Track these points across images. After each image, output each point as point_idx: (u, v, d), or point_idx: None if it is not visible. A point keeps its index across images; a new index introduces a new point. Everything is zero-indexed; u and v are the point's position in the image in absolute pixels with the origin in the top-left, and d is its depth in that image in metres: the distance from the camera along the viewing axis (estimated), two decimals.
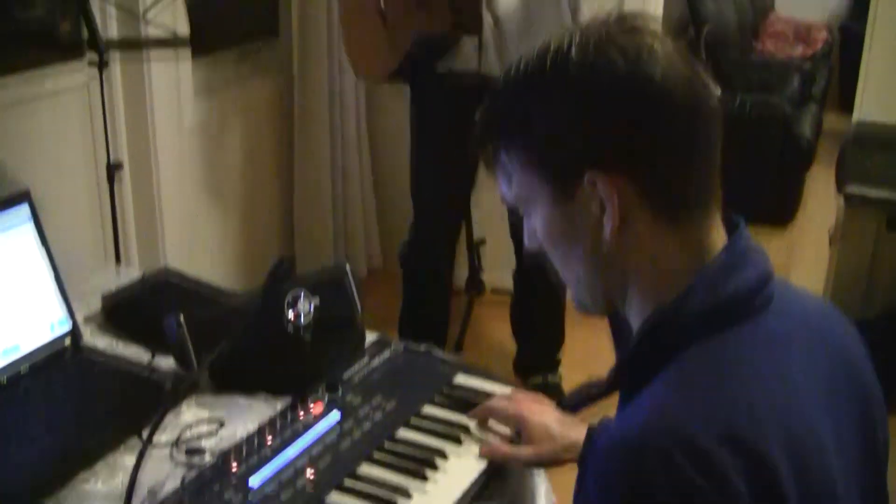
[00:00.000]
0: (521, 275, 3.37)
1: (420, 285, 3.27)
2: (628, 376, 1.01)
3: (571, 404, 1.16)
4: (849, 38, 6.74)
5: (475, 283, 3.23)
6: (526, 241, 1.10)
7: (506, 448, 1.47)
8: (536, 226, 1.05)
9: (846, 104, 5.38)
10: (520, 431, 1.47)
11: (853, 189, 3.25)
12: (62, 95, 2.91)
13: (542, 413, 1.47)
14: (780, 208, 4.92)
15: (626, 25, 0.99)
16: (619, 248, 0.99)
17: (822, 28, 7.06)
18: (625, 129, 0.96)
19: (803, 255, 4.72)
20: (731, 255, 0.99)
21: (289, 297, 1.58)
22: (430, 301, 3.29)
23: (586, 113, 0.96)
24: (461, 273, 3.33)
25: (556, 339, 3.39)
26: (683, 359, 0.94)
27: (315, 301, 1.60)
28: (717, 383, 0.92)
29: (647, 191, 0.96)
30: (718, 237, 1.01)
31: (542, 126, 0.99)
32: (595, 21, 1.00)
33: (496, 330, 3.67)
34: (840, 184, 3.31)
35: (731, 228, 1.02)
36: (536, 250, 1.08)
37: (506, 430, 1.50)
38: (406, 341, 1.77)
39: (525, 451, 1.45)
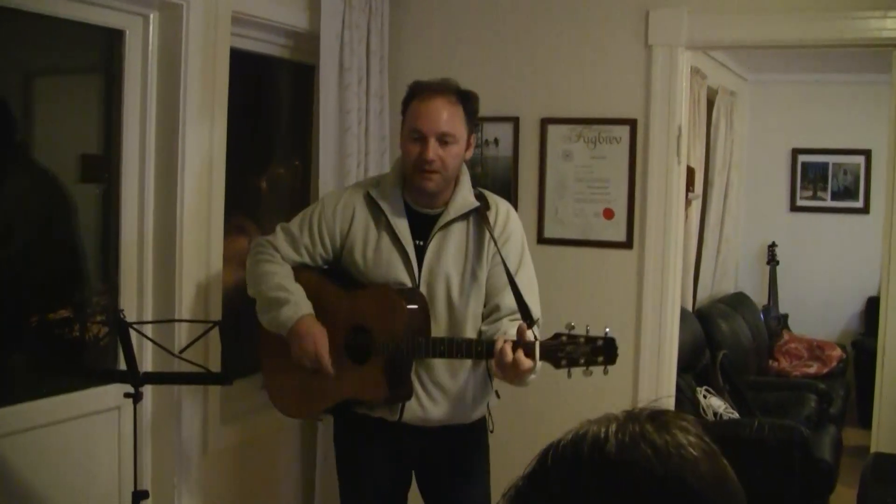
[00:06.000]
0: None
1: None
2: None
3: None
4: (863, 353, 6.79)
5: None
6: None
7: None
8: None
9: (865, 419, 5.38)
10: None
11: None
12: (93, 419, 2.99)
13: None
14: None
15: (658, 422, 1.04)
16: None
17: (836, 346, 7.19)
18: None
19: None
20: None
21: None
22: None
23: None
24: None
25: None
26: None
27: None
28: None
29: None
30: None
31: None
32: (630, 414, 1.06)
33: None
34: None
35: None
36: None
37: None
38: None
39: None
